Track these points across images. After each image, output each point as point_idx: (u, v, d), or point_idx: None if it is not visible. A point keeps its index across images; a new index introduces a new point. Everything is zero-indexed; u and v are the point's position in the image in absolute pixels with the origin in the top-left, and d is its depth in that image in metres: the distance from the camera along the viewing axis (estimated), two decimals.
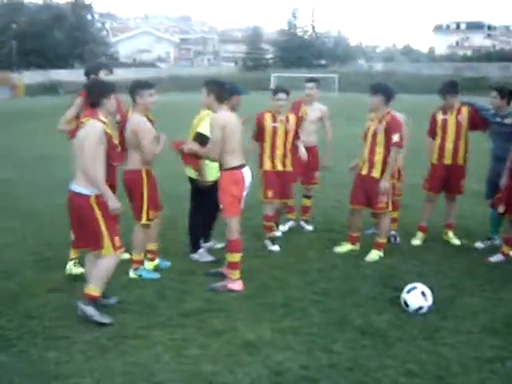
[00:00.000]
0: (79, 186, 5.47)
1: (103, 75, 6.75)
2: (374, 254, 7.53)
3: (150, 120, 6.59)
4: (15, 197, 11.00)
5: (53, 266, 7.03)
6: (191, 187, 7.38)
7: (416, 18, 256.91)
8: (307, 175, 8.65)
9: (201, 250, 7.41)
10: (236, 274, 6.42)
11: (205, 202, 7.21)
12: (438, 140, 8.02)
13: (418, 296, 5.84)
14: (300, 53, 74.02)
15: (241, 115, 6.77)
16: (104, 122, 5.52)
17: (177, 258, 7.44)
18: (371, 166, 7.44)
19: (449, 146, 7.94)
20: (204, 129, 6.80)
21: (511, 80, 30.20)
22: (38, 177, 12.77)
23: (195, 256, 7.38)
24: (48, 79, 52.25)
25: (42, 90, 49.58)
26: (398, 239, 8.30)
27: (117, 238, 5.60)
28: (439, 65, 64.79)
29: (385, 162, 7.34)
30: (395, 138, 7.23)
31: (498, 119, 7.62)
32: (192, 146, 6.60)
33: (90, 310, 5.55)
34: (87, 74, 6.90)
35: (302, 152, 8.05)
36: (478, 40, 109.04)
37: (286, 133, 7.77)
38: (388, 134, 7.25)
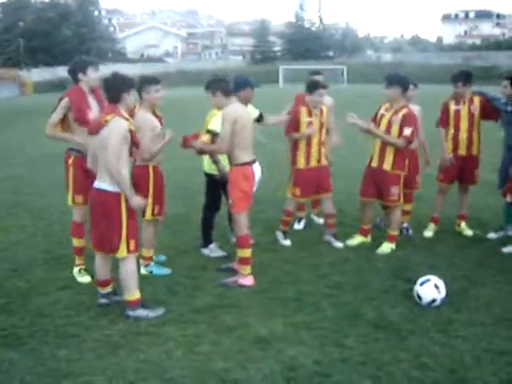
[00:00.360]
0: (105, 183, 5.40)
1: (91, 72, 6.36)
2: (386, 247, 7.47)
3: (157, 116, 6.55)
4: (25, 194, 11.03)
5: (63, 263, 7.01)
6: (206, 182, 7.33)
7: (424, 8, 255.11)
8: None
9: (212, 245, 7.38)
10: (247, 269, 6.39)
11: (219, 197, 7.17)
12: (452, 131, 7.93)
13: (431, 289, 5.78)
14: (308, 45, 73.87)
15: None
16: (128, 119, 5.45)
17: (188, 253, 7.43)
18: (382, 158, 7.38)
19: (463, 136, 7.86)
20: (214, 125, 6.74)
21: None
22: (48, 174, 12.76)
23: (206, 251, 7.36)
24: (56, 76, 52.39)
25: (51, 87, 49.71)
26: (411, 231, 8.24)
27: (133, 242, 5.57)
28: (448, 54, 64.47)
29: (396, 155, 7.28)
30: (407, 131, 7.16)
31: (510, 108, 7.54)
32: (202, 145, 6.51)
33: (141, 313, 5.57)
34: (73, 72, 6.38)
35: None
36: (487, 29, 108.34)
37: (321, 126, 7.60)
38: (401, 126, 7.19)
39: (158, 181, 6.56)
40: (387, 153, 7.32)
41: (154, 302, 5.84)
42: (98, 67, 6.46)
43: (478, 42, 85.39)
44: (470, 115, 7.80)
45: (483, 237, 7.99)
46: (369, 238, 7.80)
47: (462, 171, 8.00)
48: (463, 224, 8.22)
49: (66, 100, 6.28)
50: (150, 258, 6.77)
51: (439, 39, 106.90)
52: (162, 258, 7.11)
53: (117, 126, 5.33)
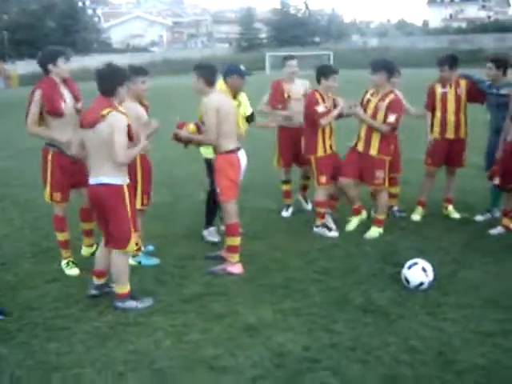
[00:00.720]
0: (106, 177, 5.33)
1: (61, 64, 6.18)
2: (374, 231, 7.49)
3: (143, 105, 6.50)
4: (12, 187, 10.96)
5: (51, 256, 6.97)
6: (207, 167, 7.27)
7: None
8: (301, 156, 8.45)
9: (211, 228, 7.37)
10: (235, 257, 6.38)
11: None
12: (439, 114, 7.92)
13: (418, 272, 5.81)
14: (294, 31, 73.54)
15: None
16: (125, 114, 5.38)
17: (176, 243, 7.42)
18: (368, 143, 7.38)
19: (450, 119, 7.86)
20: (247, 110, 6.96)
21: (507, 51, 30.00)
22: (35, 167, 12.59)
23: (205, 232, 7.37)
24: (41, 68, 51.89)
25: (37, 79, 49.16)
26: (403, 214, 8.31)
27: (136, 235, 5.59)
28: (434, 38, 64.41)
29: (382, 141, 7.29)
30: (391, 118, 7.17)
31: (494, 90, 7.55)
32: (189, 135, 6.46)
33: (130, 304, 5.57)
34: (43, 63, 6.19)
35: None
36: (473, 12, 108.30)
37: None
38: (387, 113, 7.19)
39: (145, 170, 6.52)
40: (373, 138, 7.33)
41: (143, 293, 5.83)
42: (68, 58, 6.27)
43: (463, 25, 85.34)
44: (457, 98, 7.81)
45: (470, 219, 8.03)
46: (364, 214, 7.81)
47: (449, 154, 8.01)
48: (450, 207, 8.25)
49: (38, 92, 6.13)
50: (139, 248, 6.75)
51: (425, 23, 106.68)
52: (151, 248, 7.09)
53: (117, 122, 5.24)
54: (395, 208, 8.36)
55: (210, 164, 7.07)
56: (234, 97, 6.97)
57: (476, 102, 7.90)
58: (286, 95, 8.14)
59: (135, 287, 5.80)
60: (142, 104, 6.47)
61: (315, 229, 7.70)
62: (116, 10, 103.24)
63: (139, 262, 6.67)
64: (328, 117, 7.37)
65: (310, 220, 8.04)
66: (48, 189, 6.39)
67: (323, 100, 7.43)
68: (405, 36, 76.43)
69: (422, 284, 5.79)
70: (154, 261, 6.73)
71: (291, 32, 73.41)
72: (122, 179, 5.40)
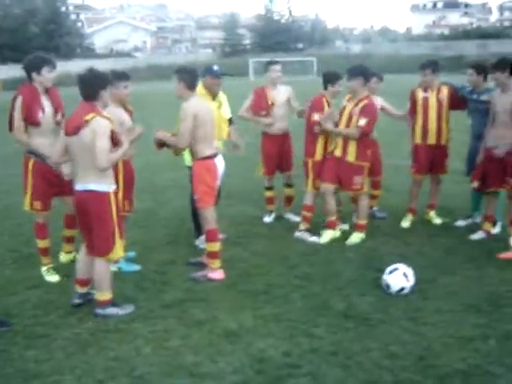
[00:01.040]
0: (92, 184, 5.30)
1: (46, 73, 6.08)
2: (355, 237, 7.50)
3: (127, 110, 6.47)
4: None
5: (32, 263, 6.90)
6: (190, 175, 7.22)
7: None
8: (285, 163, 8.41)
9: (202, 237, 7.36)
10: (216, 263, 6.36)
11: None
12: (420, 120, 7.94)
13: (399, 277, 5.83)
14: (277, 37, 73.76)
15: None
16: (109, 119, 5.34)
17: (157, 249, 7.39)
18: (345, 150, 7.39)
19: (432, 126, 7.87)
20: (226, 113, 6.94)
21: (489, 57, 30.24)
22: (17, 172, 12.53)
23: (198, 241, 7.32)
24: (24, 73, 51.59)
25: (19, 84, 48.84)
26: (384, 214, 8.36)
27: (122, 241, 5.58)
28: (417, 44, 64.85)
29: (359, 147, 7.32)
30: (362, 121, 7.20)
31: (475, 96, 7.60)
32: (161, 135, 6.41)
33: (111, 311, 5.53)
34: (27, 70, 6.09)
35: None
36: (455, 18, 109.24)
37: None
38: (359, 117, 7.22)
39: (128, 176, 6.48)
40: (350, 144, 7.35)
41: (123, 299, 5.80)
42: (54, 67, 6.16)
43: (446, 31, 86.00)
44: (439, 104, 7.82)
45: (452, 225, 8.07)
46: (338, 232, 7.71)
47: (432, 161, 8.03)
48: (432, 213, 8.27)
49: (19, 99, 6.07)
50: None
51: (408, 30, 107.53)
52: (131, 254, 7.05)
53: (100, 127, 5.20)
54: (375, 208, 8.41)
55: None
56: (213, 98, 6.95)
57: (458, 108, 7.93)
58: (269, 102, 8.11)
59: (116, 294, 5.76)
60: (126, 109, 6.44)
61: (297, 233, 7.70)
62: (99, 16, 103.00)
63: (120, 269, 6.63)
64: (321, 126, 7.42)
65: (291, 226, 8.05)
66: (28, 197, 6.34)
67: (328, 105, 7.50)
68: (388, 42, 77.04)
69: (403, 289, 5.81)
70: (135, 267, 6.70)
71: (275, 38, 73.62)
72: (108, 186, 5.37)
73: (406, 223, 8.17)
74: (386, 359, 4.67)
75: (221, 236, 7.33)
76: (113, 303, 5.59)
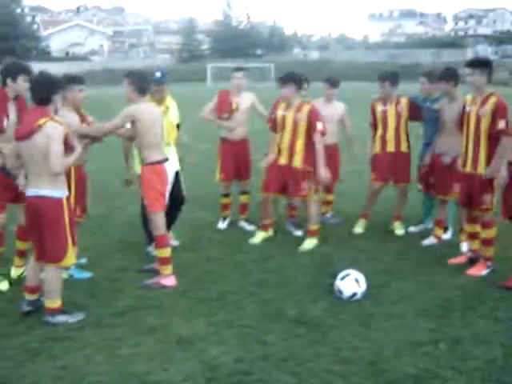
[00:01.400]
0: (45, 189, 5.22)
1: (21, 81, 5.91)
2: (308, 243, 7.54)
3: (81, 115, 6.38)
4: None
5: None
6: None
7: (350, 7, 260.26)
8: (243, 170, 8.39)
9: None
10: (168, 269, 6.31)
11: None
12: (380, 131, 8.03)
13: (351, 283, 5.87)
14: (236, 43, 73.91)
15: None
16: (62, 123, 5.26)
17: (109, 255, 7.30)
18: (292, 155, 7.43)
19: (390, 135, 7.96)
20: (174, 118, 7.00)
21: (443, 66, 30.74)
22: None
23: (149, 248, 7.22)
24: None
25: None
26: (338, 219, 8.47)
27: (75, 248, 5.51)
28: (374, 52, 65.79)
29: (305, 151, 7.38)
30: (319, 125, 7.31)
31: (428, 104, 7.71)
32: (83, 129, 6.26)
33: (61, 318, 5.43)
34: (3, 75, 5.95)
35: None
36: (411, 27, 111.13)
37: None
38: (311, 123, 7.29)
39: (80, 181, 6.39)
40: (296, 150, 7.41)
41: (74, 306, 5.71)
42: (29, 75, 5.98)
43: (402, 39, 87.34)
44: (397, 115, 7.90)
45: (405, 231, 8.16)
46: (271, 232, 7.85)
47: (393, 169, 8.05)
48: (397, 223, 8.21)
49: None
50: None
51: (365, 37, 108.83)
52: (83, 260, 6.94)
53: (54, 132, 5.13)
54: (328, 215, 8.45)
55: None
56: (160, 103, 6.90)
57: (417, 120, 7.98)
58: (233, 106, 8.11)
59: (66, 301, 5.66)
60: (79, 113, 6.36)
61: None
62: (55, 18, 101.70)
63: (71, 276, 6.52)
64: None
65: (246, 232, 8.05)
66: None
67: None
68: (345, 50, 77.81)
69: (355, 295, 5.85)
70: (87, 274, 6.60)
71: (233, 44, 73.76)
72: (61, 192, 5.31)
73: (358, 229, 8.22)
74: (338, 364, 4.69)
75: (174, 243, 7.33)
76: (63, 311, 5.50)
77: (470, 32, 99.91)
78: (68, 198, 5.43)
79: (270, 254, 7.30)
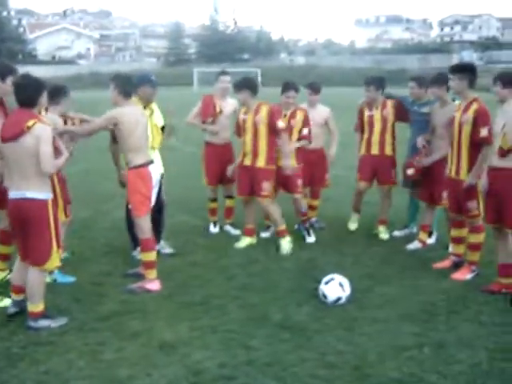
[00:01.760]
0: (33, 192, 5.19)
1: (9, 82, 5.81)
2: (284, 244, 7.56)
3: (67, 117, 6.39)
4: None
5: None
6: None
7: (337, 12, 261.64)
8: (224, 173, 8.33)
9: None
10: (152, 273, 6.28)
11: None
12: (366, 135, 8.14)
13: (335, 287, 5.87)
14: (222, 48, 74.03)
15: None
16: (49, 125, 5.27)
17: (93, 259, 7.25)
18: (255, 156, 7.52)
19: (375, 139, 8.05)
20: (159, 121, 7.00)
21: (430, 71, 30.93)
22: None
23: (134, 252, 7.18)
24: None
25: None
26: (323, 224, 8.46)
27: (60, 251, 5.47)
28: (360, 57, 66.08)
29: (268, 151, 7.49)
30: (280, 124, 7.41)
31: (416, 108, 7.75)
32: (63, 129, 6.24)
33: (43, 323, 5.38)
34: None
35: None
36: (397, 33, 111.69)
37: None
38: (271, 123, 7.39)
39: (62, 181, 6.38)
40: (260, 150, 7.49)
41: (57, 311, 5.66)
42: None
43: (388, 45, 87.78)
44: (383, 119, 7.99)
45: (389, 235, 8.17)
46: (254, 239, 7.86)
47: (377, 171, 8.13)
48: (381, 228, 8.24)
49: None
50: None
51: (352, 43, 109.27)
52: (66, 254, 6.87)
53: (44, 133, 5.13)
54: (313, 219, 8.47)
55: None
56: (145, 107, 6.88)
57: (403, 121, 8.05)
58: (217, 109, 8.11)
59: (49, 305, 5.61)
60: (67, 117, 6.37)
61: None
62: (42, 21, 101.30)
63: (55, 280, 6.47)
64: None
65: (231, 236, 8.03)
66: None
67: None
68: (332, 55, 78.08)
69: (339, 299, 5.84)
70: (70, 278, 6.55)
71: (220, 48, 73.88)
72: (46, 194, 5.29)
73: (353, 225, 8.41)
74: (322, 369, 4.67)
75: (168, 250, 7.33)
76: (45, 315, 5.45)
77: (456, 38, 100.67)
78: (53, 200, 5.40)
79: (255, 258, 7.29)
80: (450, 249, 7.10)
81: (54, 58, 77.96)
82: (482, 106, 6.32)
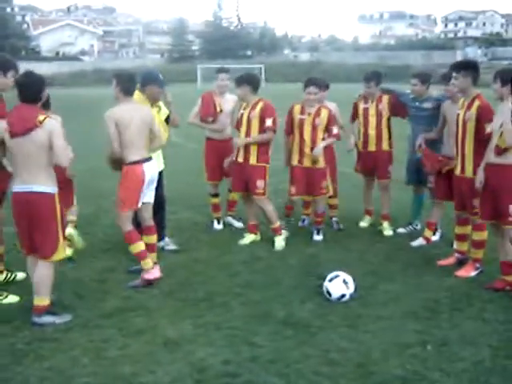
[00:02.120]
0: (40, 185, 5.25)
1: (10, 77, 5.86)
2: (278, 242, 7.58)
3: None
4: None
5: None
6: None
7: (341, 9, 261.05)
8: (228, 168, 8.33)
9: (167, 239, 7.31)
10: (147, 263, 6.26)
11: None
12: (362, 129, 8.16)
13: (339, 284, 5.87)
14: (226, 44, 73.95)
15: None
16: (57, 120, 5.39)
17: (96, 256, 7.26)
18: (247, 152, 7.56)
19: (371, 133, 8.08)
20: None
21: (434, 67, 30.85)
22: None
23: (161, 243, 7.22)
24: None
25: None
26: (341, 225, 8.45)
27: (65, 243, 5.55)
28: (363, 54, 65.95)
29: (260, 148, 7.52)
30: (269, 122, 7.42)
31: (417, 103, 7.73)
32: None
33: (48, 319, 5.40)
34: None
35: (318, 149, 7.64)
36: (401, 29, 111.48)
37: (314, 127, 7.58)
38: (262, 119, 7.43)
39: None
40: (251, 148, 7.53)
41: (61, 308, 5.67)
42: (18, 71, 5.96)
43: (392, 41, 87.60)
44: (378, 113, 8.02)
45: (393, 232, 8.16)
46: (258, 236, 7.87)
47: (375, 166, 8.17)
48: (385, 224, 8.23)
49: None
50: None
51: (355, 39, 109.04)
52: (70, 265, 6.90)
53: (55, 128, 5.26)
54: (334, 219, 8.49)
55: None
56: (152, 105, 6.87)
57: (399, 115, 8.07)
58: (218, 108, 8.10)
59: (53, 302, 5.63)
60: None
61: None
62: (46, 18, 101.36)
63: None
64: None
65: (234, 233, 8.03)
66: None
67: (302, 112, 7.70)
68: (335, 51, 77.96)
69: (343, 296, 5.84)
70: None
71: (223, 44, 73.78)
72: (53, 188, 5.35)
73: (364, 223, 8.49)
74: (326, 366, 4.67)
75: (172, 247, 7.40)
76: (50, 312, 5.46)
77: (460, 34, 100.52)
78: (59, 194, 5.43)
79: (258, 255, 7.29)
80: (455, 246, 7.08)
81: (57, 54, 77.92)
82: (485, 102, 6.30)
